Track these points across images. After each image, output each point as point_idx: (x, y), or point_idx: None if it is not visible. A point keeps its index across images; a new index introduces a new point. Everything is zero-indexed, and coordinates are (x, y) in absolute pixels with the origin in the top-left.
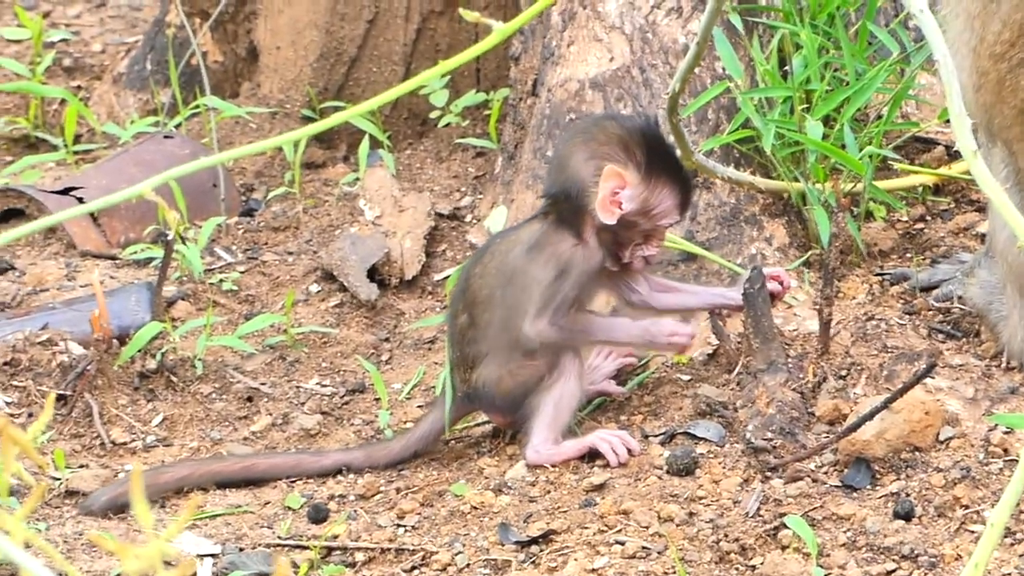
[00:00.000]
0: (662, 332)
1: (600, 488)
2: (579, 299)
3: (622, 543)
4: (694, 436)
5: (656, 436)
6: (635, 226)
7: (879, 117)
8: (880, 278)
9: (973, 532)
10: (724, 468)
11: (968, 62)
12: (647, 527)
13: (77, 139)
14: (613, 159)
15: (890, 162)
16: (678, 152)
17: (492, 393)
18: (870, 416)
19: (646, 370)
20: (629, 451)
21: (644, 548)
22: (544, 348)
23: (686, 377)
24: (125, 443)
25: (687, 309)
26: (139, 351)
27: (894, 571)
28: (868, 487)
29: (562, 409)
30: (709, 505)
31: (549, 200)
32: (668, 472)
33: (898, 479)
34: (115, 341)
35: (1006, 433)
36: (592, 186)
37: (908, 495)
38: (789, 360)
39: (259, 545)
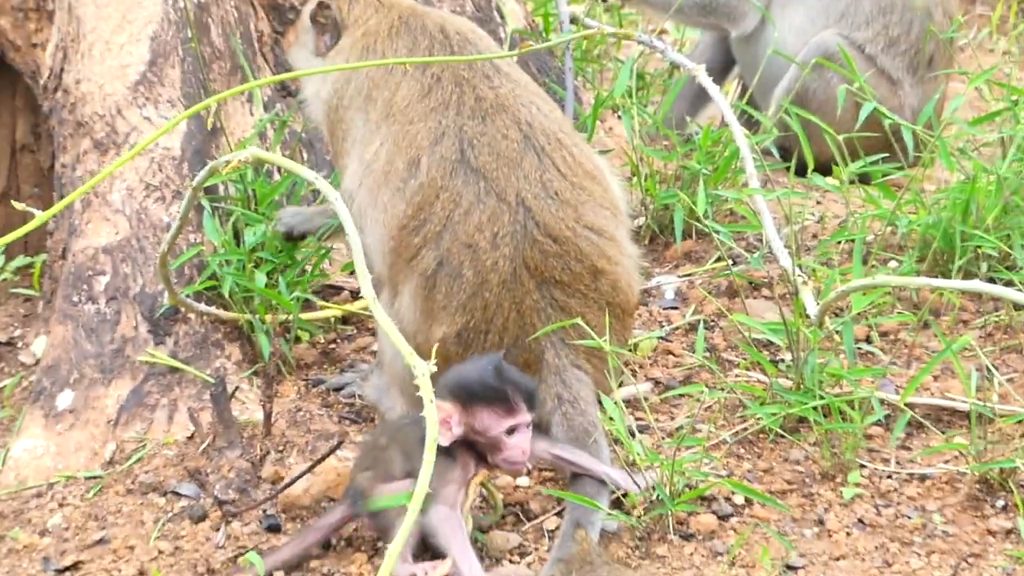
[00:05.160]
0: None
1: (108, 532)
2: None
3: (120, 570)
4: (179, 493)
5: (152, 493)
6: (478, 442)
7: (304, 272)
8: (306, 382)
9: (376, 554)
10: (200, 515)
11: (386, 232)
12: (146, 556)
13: None
14: (441, 398)
15: (313, 302)
16: (499, 385)
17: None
18: (299, 477)
19: (144, 448)
20: None
21: (141, 573)
22: None
23: (172, 453)
24: None
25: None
26: None
27: None
28: (297, 527)
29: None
30: (191, 541)
31: None
32: (164, 521)
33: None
34: None
35: None
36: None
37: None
38: (243, 440)
39: None
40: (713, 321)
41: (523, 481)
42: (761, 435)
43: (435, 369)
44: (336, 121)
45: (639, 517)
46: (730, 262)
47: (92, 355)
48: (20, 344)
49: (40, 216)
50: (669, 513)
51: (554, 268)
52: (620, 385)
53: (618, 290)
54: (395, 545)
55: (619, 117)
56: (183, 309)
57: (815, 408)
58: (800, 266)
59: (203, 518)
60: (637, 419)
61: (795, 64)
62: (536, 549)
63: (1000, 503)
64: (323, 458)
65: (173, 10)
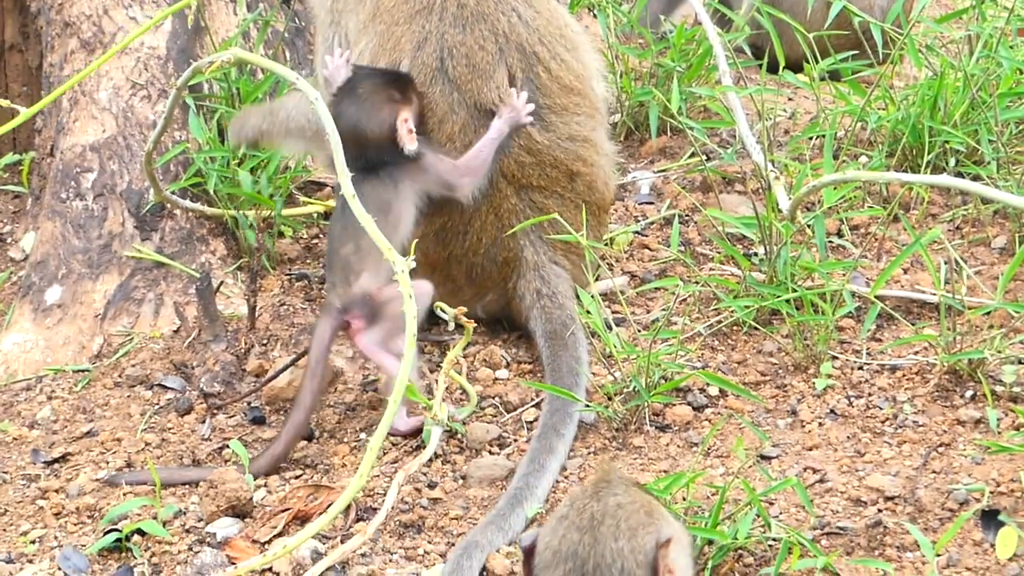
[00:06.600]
0: (518, 109)
1: (95, 424)
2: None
3: (108, 462)
4: (165, 386)
5: (139, 386)
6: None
7: (288, 168)
8: (289, 277)
9: (358, 446)
10: (185, 407)
11: None
12: (133, 448)
13: None
14: (397, 107)
15: (296, 197)
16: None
17: (368, 299)
18: (283, 370)
19: (131, 342)
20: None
21: (129, 464)
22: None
23: (158, 346)
24: None
25: None
26: None
27: (300, 475)
28: (281, 419)
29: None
30: (177, 433)
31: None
32: (151, 414)
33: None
34: None
35: None
36: (392, 133)
37: (310, 424)
38: (228, 333)
39: None
40: (687, 215)
41: (502, 373)
42: (735, 327)
43: (413, 265)
44: (331, 24)
45: (616, 409)
46: (704, 158)
47: (80, 251)
48: (9, 240)
49: (24, 112)
50: (645, 404)
51: (531, 175)
52: (597, 279)
53: (594, 189)
54: (388, 413)
55: (595, 16)
56: (169, 205)
57: (788, 301)
58: (772, 161)
59: (189, 410)
60: (613, 312)
61: None
62: (515, 440)
63: (969, 393)
64: (306, 351)
65: None
